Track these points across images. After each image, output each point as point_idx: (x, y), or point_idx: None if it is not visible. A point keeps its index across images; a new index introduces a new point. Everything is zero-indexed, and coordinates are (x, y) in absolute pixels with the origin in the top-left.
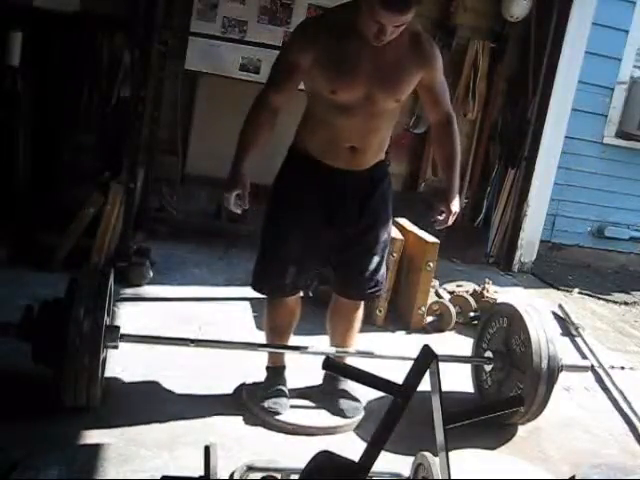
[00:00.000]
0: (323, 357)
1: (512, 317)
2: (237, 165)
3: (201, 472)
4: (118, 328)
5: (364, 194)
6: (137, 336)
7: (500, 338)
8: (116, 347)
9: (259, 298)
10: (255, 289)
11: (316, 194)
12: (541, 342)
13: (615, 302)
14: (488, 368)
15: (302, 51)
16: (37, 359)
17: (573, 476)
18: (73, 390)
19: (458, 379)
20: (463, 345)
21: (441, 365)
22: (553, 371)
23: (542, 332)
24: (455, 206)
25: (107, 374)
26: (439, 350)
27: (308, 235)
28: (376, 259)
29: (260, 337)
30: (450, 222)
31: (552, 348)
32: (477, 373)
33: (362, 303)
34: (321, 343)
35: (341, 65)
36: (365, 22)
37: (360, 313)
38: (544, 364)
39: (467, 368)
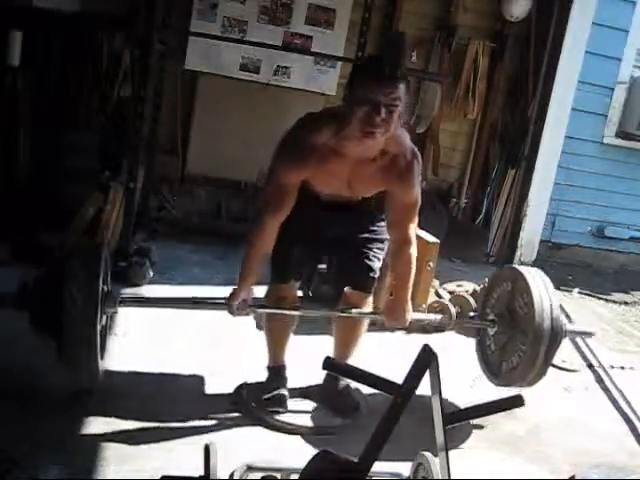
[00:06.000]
0: (323, 357)
1: (515, 280)
2: (243, 283)
3: (201, 472)
4: (117, 293)
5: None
6: (137, 299)
7: (504, 302)
8: (116, 312)
9: (259, 298)
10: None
11: (313, 211)
12: (544, 303)
13: (615, 302)
14: (491, 332)
15: (292, 174)
16: (36, 328)
17: (573, 476)
18: (74, 357)
19: (459, 379)
20: (463, 345)
21: (441, 364)
22: (556, 333)
23: (545, 293)
24: (405, 320)
25: (107, 375)
26: (439, 350)
27: (310, 231)
28: (372, 253)
29: (260, 336)
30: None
31: (555, 311)
32: (481, 338)
33: (369, 303)
34: (322, 343)
35: (325, 179)
36: (354, 124)
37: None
38: (546, 324)
39: (468, 368)
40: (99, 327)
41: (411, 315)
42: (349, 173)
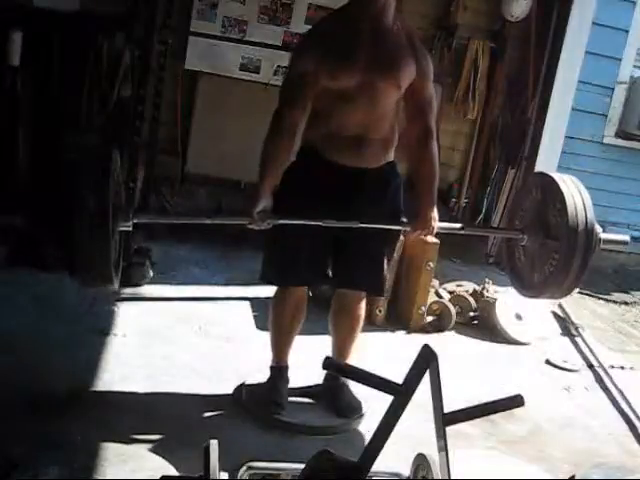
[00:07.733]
0: (323, 357)
1: (546, 186)
2: (261, 186)
3: (201, 472)
4: (130, 208)
5: (374, 195)
6: (151, 215)
7: (534, 211)
8: (129, 227)
9: (259, 298)
10: (264, 278)
11: (325, 192)
12: (577, 208)
13: (615, 302)
14: (521, 243)
15: (307, 56)
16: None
17: (573, 476)
18: (86, 272)
19: (459, 379)
20: (463, 345)
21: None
22: (590, 241)
23: (579, 198)
24: (432, 228)
25: (108, 376)
26: (439, 350)
27: (317, 231)
28: (380, 260)
29: (260, 337)
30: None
31: (590, 216)
32: (509, 249)
33: (364, 300)
34: (322, 343)
35: (340, 52)
36: None
37: (362, 310)
38: (581, 230)
39: (468, 368)
40: (112, 231)
41: (438, 223)
42: (367, 48)
